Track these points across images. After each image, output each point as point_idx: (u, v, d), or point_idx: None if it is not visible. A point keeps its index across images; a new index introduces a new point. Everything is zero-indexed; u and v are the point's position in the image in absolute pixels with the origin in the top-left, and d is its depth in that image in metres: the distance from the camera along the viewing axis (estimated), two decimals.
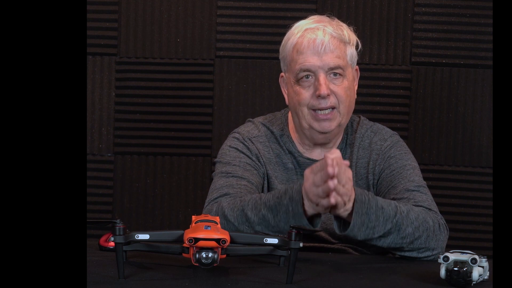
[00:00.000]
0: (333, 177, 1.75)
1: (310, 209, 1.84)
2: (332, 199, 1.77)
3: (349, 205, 1.83)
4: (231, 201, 1.97)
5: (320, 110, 2.06)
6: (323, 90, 2.03)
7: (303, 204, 1.84)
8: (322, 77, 2.04)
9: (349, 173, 1.81)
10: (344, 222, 1.87)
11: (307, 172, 1.82)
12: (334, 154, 1.80)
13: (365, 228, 1.86)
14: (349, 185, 1.81)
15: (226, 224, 1.92)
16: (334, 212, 1.84)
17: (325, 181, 1.77)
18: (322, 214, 1.88)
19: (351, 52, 2.10)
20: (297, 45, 2.07)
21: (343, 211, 1.84)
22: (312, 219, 1.87)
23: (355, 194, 1.84)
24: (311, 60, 2.05)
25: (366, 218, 1.85)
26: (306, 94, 2.06)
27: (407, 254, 1.94)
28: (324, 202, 1.79)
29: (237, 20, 2.97)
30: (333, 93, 2.05)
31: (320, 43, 2.04)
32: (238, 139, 2.17)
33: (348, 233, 1.86)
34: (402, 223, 1.89)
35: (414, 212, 1.93)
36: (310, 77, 2.06)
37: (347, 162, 1.81)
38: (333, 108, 2.06)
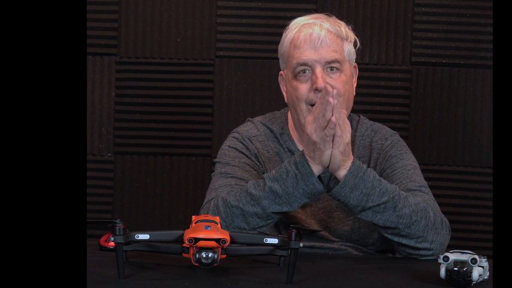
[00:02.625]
0: (332, 97, 1.85)
1: (314, 167, 1.91)
2: (333, 118, 1.84)
3: (348, 163, 1.90)
4: (230, 191, 1.98)
5: None
6: (320, 83, 2.03)
7: (308, 164, 1.91)
8: (318, 70, 2.05)
9: (347, 122, 1.91)
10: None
11: (308, 117, 1.91)
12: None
13: (359, 193, 1.89)
14: (347, 127, 1.90)
15: (229, 210, 1.93)
16: (334, 158, 1.89)
17: (325, 108, 1.85)
18: (324, 184, 1.94)
19: (349, 49, 2.10)
20: (294, 40, 2.08)
21: (342, 165, 1.90)
22: (319, 179, 1.93)
23: (354, 159, 1.92)
24: (308, 54, 2.05)
25: (361, 183, 1.89)
26: (303, 88, 2.06)
27: (404, 241, 1.94)
28: (326, 131, 1.86)
29: (237, 20, 2.97)
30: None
31: (317, 37, 2.05)
32: (237, 138, 2.17)
33: (339, 190, 1.91)
34: (399, 202, 1.92)
35: (415, 199, 1.95)
36: (307, 71, 2.07)
37: (345, 111, 1.93)
38: None
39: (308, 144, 1.91)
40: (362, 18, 2.93)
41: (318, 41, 2.05)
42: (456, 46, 2.93)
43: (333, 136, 1.88)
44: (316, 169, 1.91)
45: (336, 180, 1.93)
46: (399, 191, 1.94)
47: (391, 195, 1.91)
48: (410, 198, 1.94)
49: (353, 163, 1.91)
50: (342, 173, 1.91)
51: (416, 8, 2.93)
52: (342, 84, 2.06)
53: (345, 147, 1.89)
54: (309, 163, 1.91)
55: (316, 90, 2.04)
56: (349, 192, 1.90)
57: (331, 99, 1.84)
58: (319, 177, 1.93)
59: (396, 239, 1.96)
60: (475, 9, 2.92)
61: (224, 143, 2.20)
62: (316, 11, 2.88)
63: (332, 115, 1.85)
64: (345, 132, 1.89)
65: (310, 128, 1.89)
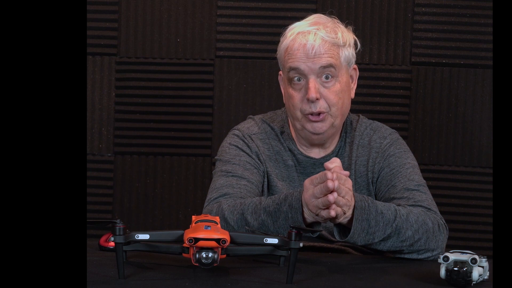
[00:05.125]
0: (333, 191, 1.76)
1: (309, 217, 1.86)
2: (332, 212, 1.79)
3: (349, 213, 1.84)
4: (231, 203, 1.97)
5: (311, 114, 2.06)
6: (311, 94, 2.04)
7: (302, 211, 1.85)
8: (311, 80, 2.05)
9: (349, 184, 1.82)
10: (344, 228, 1.88)
11: (307, 183, 1.83)
12: (334, 163, 1.81)
13: (365, 234, 1.86)
14: (349, 195, 1.82)
15: (226, 226, 1.93)
16: (334, 221, 1.85)
17: (324, 194, 1.78)
18: (320, 226, 1.89)
19: (346, 54, 2.09)
20: (289, 49, 2.08)
21: (343, 219, 1.84)
22: (311, 224, 1.87)
23: (355, 201, 1.84)
24: (301, 64, 2.05)
25: (366, 224, 1.85)
26: (297, 97, 2.07)
27: (407, 256, 1.95)
28: (323, 213, 1.81)
29: (237, 20, 2.97)
30: (323, 97, 2.05)
31: (311, 47, 2.04)
32: (238, 136, 2.18)
33: (348, 239, 1.87)
34: (402, 227, 1.90)
35: (413, 215, 1.93)
36: (302, 79, 2.07)
37: (347, 173, 1.82)
38: (323, 112, 2.06)
39: (305, 206, 1.84)
40: (362, 18, 2.93)
41: (312, 51, 2.04)
42: (456, 46, 2.93)
43: None
44: (311, 218, 1.85)
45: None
46: (399, 214, 1.91)
47: (394, 224, 1.89)
48: (410, 217, 1.92)
49: (355, 207, 1.84)
50: (344, 221, 1.85)
51: (416, 8, 2.93)
52: (335, 95, 2.06)
53: (346, 211, 1.82)
54: (303, 212, 1.85)
55: (309, 100, 2.04)
56: (357, 237, 1.86)
57: (331, 198, 1.76)
58: None
59: (398, 255, 1.96)
60: (475, 9, 2.92)
61: (225, 140, 2.20)
62: (316, 11, 2.88)
63: (332, 204, 1.78)
64: (345, 204, 1.81)
65: (308, 199, 1.82)
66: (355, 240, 1.87)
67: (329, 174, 1.77)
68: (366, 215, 1.85)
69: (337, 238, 1.88)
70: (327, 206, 1.79)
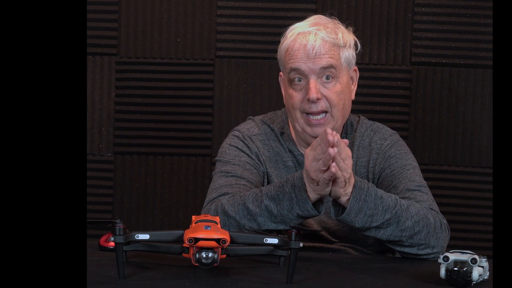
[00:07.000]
0: (333, 146, 1.77)
1: (312, 194, 1.86)
2: (333, 168, 1.78)
3: (349, 189, 1.84)
4: (230, 197, 1.97)
5: (312, 114, 2.06)
6: (312, 94, 2.03)
7: (306, 190, 1.85)
8: (312, 80, 2.05)
9: (348, 151, 1.83)
10: (342, 210, 1.88)
11: (307, 150, 1.84)
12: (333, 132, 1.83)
13: (363, 215, 1.86)
14: (349, 162, 1.83)
15: (227, 220, 1.93)
16: (335, 192, 1.84)
17: (325, 152, 1.78)
18: (323, 206, 1.89)
19: (347, 55, 2.09)
20: (289, 49, 2.08)
21: (343, 194, 1.85)
22: (314, 206, 1.88)
23: (355, 181, 1.85)
24: (302, 64, 2.05)
25: (364, 205, 1.86)
26: (297, 97, 2.07)
27: (407, 250, 1.94)
28: (325, 175, 1.80)
29: (237, 20, 2.97)
30: (324, 97, 2.06)
31: (311, 47, 2.04)
32: (238, 137, 2.18)
33: (345, 217, 1.86)
34: (402, 215, 1.90)
35: (414, 207, 1.93)
36: (302, 80, 2.07)
37: (346, 141, 1.84)
38: (325, 112, 2.06)
39: (307, 177, 1.85)
40: (362, 18, 2.93)
41: (312, 51, 2.04)
42: (456, 46, 2.94)
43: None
44: (314, 196, 1.86)
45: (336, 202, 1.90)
46: (400, 203, 1.91)
47: (394, 211, 1.89)
48: (411, 208, 1.92)
49: (354, 186, 1.85)
50: (344, 199, 1.86)
51: (416, 8, 2.93)
52: (336, 95, 2.06)
53: (347, 181, 1.84)
54: (307, 190, 1.86)
55: (309, 100, 2.04)
56: (354, 217, 1.86)
57: (331, 151, 1.77)
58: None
59: (398, 248, 1.96)
60: (475, 9, 2.92)
61: (225, 141, 2.20)
62: (316, 11, 2.88)
63: (332, 162, 1.78)
64: (345, 170, 1.82)
65: (309, 165, 1.82)
66: (352, 219, 1.86)
67: (328, 130, 1.78)
68: (364, 195, 1.86)
69: (333, 216, 1.89)
70: (328, 167, 1.79)
